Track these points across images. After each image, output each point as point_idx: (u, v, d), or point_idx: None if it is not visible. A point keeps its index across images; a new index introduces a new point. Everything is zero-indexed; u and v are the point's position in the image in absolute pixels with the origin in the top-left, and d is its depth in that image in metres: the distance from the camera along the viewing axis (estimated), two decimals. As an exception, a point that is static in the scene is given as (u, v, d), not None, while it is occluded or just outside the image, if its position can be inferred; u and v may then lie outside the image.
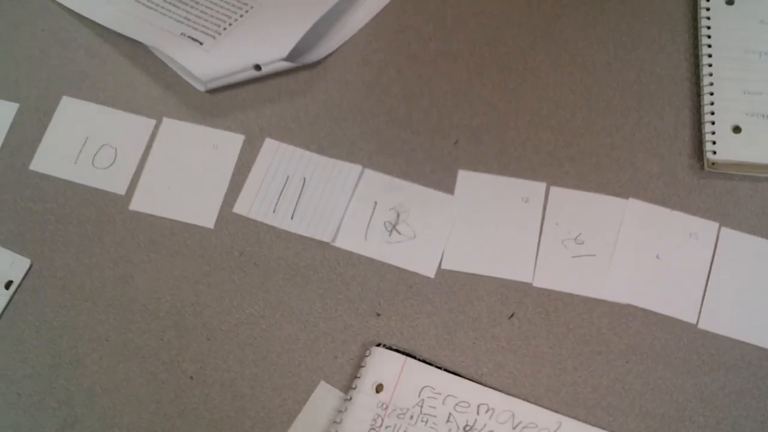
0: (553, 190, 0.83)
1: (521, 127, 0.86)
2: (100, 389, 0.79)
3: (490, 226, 0.82)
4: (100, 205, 0.86)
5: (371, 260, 0.82)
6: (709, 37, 0.87)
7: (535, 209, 0.83)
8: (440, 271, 0.81)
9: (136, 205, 0.86)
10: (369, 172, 0.85)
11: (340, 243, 0.83)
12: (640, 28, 0.90)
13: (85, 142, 0.88)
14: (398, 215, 0.83)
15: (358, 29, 0.92)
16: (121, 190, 0.86)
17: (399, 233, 0.83)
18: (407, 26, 0.92)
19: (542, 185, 0.83)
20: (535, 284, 0.80)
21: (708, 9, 0.88)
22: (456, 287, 0.80)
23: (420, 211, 0.83)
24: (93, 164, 0.87)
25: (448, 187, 0.84)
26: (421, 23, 0.92)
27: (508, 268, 0.81)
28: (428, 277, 0.81)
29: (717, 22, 0.87)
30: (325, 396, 0.77)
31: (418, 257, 0.82)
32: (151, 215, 0.85)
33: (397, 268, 0.81)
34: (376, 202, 0.84)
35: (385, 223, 0.83)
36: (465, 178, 0.84)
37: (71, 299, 0.82)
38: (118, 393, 0.78)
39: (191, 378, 0.79)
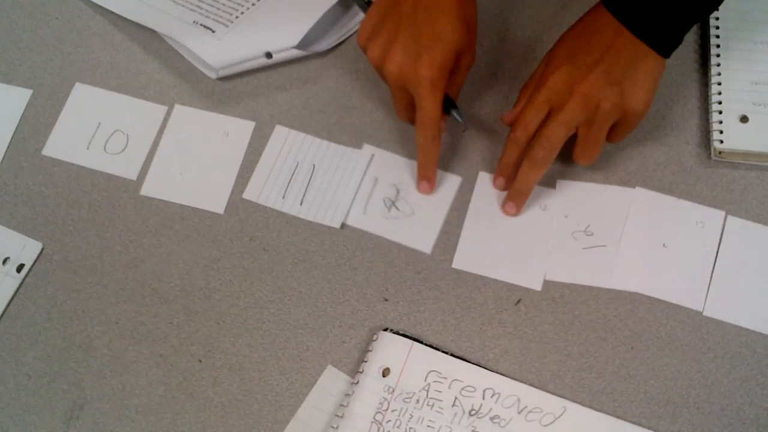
0: (561, 182, 0.84)
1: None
2: (110, 372, 0.79)
3: (503, 231, 0.83)
4: (111, 190, 0.87)
5: (380, 246, 0.83)
6: (717, 27, 0.87)
7: (550, 214, 0.83)
8: (451, 268, 0.82)
9: (147, 190, 0.86)
10: (372, 149, 0.87)
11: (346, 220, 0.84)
12: (649, 19, 0.90)
13: (98, 128, 0.89)
14: (398, 192, 0.84)
15: (368, 18, 0.93)
16: (133, 175, 0.87)
17: (398, 209, 0.83)
18: (417, 16, 0.92)
19: (554, 191, 0.84)
20: (547, 278, 0.80)
21: (717, 0, 0.88)
22: (464, 273, 0.81)
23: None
24: (105, 150, 0.88)
25: (450, 168, 0.86)
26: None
27: (518, 273, 0.81)
28: (425, 253, 0.82)
29: (726, 13, 0.88)
30: (332, 380, 0.78)
31: (416, 233, 0.83)
32: (162, 200, 0.86)
33: (405, 251, 0.82)
34: (376, 178, 0.85)
35: (384, 199, 0.84)
36: (483, 179, 0.85)
37: (82, 283, 0.83)
38: (128, 375, 0.79)
39: (200, 361, 0.79)
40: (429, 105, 0.76)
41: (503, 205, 0.82)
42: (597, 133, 0.75)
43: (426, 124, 0.78)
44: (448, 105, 0.80)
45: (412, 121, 0.81)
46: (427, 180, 0.83)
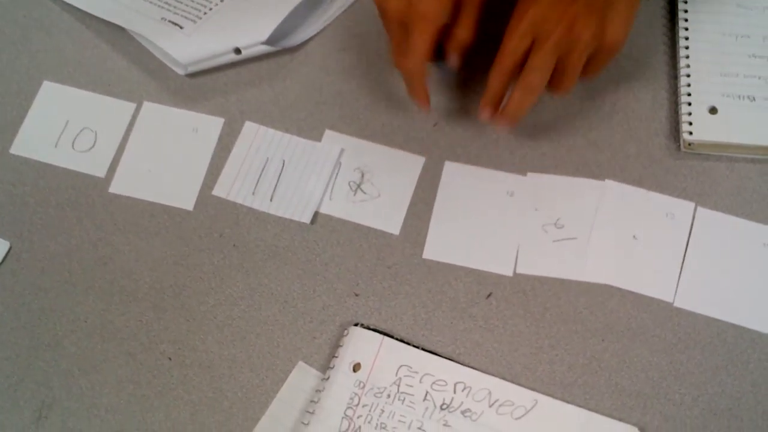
0: (531, 175, 0.84)
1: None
2: (78, 370, 0.79)
3: (472, 219, 0.83)
4: (79, 187, 0.86)
5: (350, 241, 0.82)
6: (686, 20, 0.88)
7: (517, 200, 0.83)
8: (422, 259, 0.82)
9: (116, 187, 0.86)
10: (334, 134, 0.87)
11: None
12: (618, 12, 0.90)
13: (66, 126, 0.89)
14: (362, 175, 0.84)
15: (338, 14, 0.93)
16: (101, 173, 0.87)
17: (364, 192, 0.83)
18: (387, 11, 0.92)
19: (523, 178, 0.84)
20: (518, 271, 0.80)
21: (685, -8, 0.89)
22: (434, 267, 0.81)
23: (384, 171, 0.84)
24: (73, 147, 0.88)
25: (414, 150, 0.86)
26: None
27: (489, 260, 0.81)
28: (394, 235, 0.82)
29: (694, 5, 0.88)
30: (303, 376, 0.77)
31: (383, 215, 0.83)
32: (131, 198, 0.85)
33: (376, 246, 0.82)
34: (340, 163, 0.85)
35: (349, 182, 0.84)
36: (450, 168, 0.85)
37: (50, 281, 0.82)
38: (96, 374, 0.79)
39: (169, 359, 0.79)
40: (417, 37, 0.76)
41: (497, 124, 0.81)
42: (576, 62, 0.75)
43: (411, 53, 0.77)
44: (437, 55, 0.80)
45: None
46: (420, 103, 0.83)
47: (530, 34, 0.75)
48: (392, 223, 0.83)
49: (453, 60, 0.81)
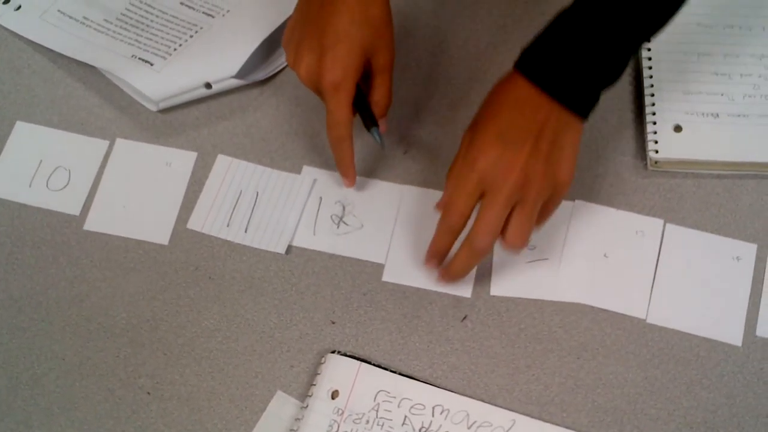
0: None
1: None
2: (58, 408, 0.79)
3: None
4: (54, 226, 0.86)
5: (326, 270, 0.83)
6: (648, 41, 0.89)
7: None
8: (397, 287, 0.82)
9: (91, 225, 0.86)
10: (311, 170, 0.88)
11: (294, 242, 0.85)
12: (581, 35, 0.92)
13: (39, 165, 0.89)
14: (344, 208, 0.85)
15: (306, 46, 0.94)
16: (76, 210, 0.87)
17: (347, 224, 0.84)
18: (355, 41, 0.93)
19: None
20: (492, 293, 0.81)
21: (646, 14, 0.90)
22: (409, 292, 0.81)
23: (365, 201, 0.85)
24: (47, 186, 0.88)
25: (389, 178, 0.87)
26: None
27: (453, 285, 0.82)
28: (381, 264, 0.83)
29: (655, 26, 0.89)
30: (281, 405, 0.78)
31: (368, 246, 0.84)
32: (106, 234, 0.86)
33: (351, 273, 0.82)
34: (321, 198, 0.86)
35: (332, 216, 0.85)
36: (409, 193, 0.86)
37: (27, 320, 0.82)
38: (76, 411, 0.79)
39: (148, 393, 0.79)
40: (332, 106, 0.77)
41: (440, 279, 0.81)
42: (530, 212, 0.72)
43: (331, 125, 0.78)
44: (370, 121, 0.81)
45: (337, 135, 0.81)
46: (344, 176, 0.83)
47: (479, 188, 0.72)
48: (378, 254, 0.83)
49: (382, 124, 0.82)
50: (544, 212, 0.75)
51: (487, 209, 0.72)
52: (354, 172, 0.83)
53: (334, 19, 0.75)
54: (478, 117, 0.74)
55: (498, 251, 0.82)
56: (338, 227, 0.84)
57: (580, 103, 0.71)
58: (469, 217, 0.74)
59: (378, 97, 0.81)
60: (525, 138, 0.70)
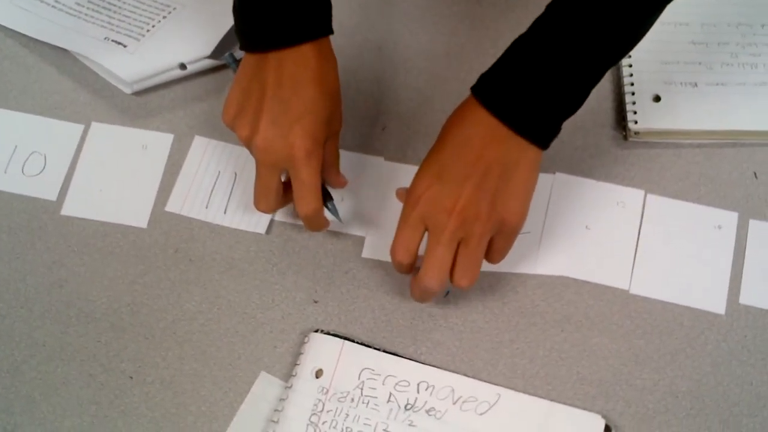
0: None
1: (447, 110, 0.86)
2: (39, 395, 0.78)
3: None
4: (31, 212, 0.85)
5: (307, 249, 0.82)
6: (612, 65, 0.89)
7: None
8: (379, 265, 0.82)
9: (68, 209, 0.85)
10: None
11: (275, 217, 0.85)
12: (558, 8, 0.91)
13: (15, 151, 0.88)
14: (323, 182, 0.84)
15: (281, 24, 0.93)
16: (52, 196, 0.86)
17: None
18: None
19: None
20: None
21: (622, -16, 0.90)
22: (391, 269, 0.81)
23: (345, 175, 0.83)
24: (23, 172, 0.87)
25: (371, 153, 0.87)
26: (345, 17, 0.93)
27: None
28: (362, 237, 0.83)
29: (632, -4, 0.89)
30: (266, 386, 0.77)
31: (349, 219, 0.84)
32: (84, 219, 0.85)
33: (333, 251, 0.82)
34: None
35: None
36: (388, 167, 0.86)
37: (6, 308, 0.81)
38: (58, 397, 0.78)
39: (131, 377, 0.78)
40: (306, 175, 0.74)
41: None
42: (474, 251, 0.71)
43: (306, 196, 0.75)
44: (325, 197, 0.79)
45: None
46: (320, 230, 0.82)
47: (422, 223, 0.71)
48: (358, 226, 0.83)
49: (339, 180, 0.82)
50: (495, 251, 0.74)
51: (430, 248, 0.71)
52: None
53: (300, 91, 0.73)
54: (430, 149, 0.73)
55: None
56: None
57: (539, 134, 0.69)
58: (415, 252, 0.73)
59: (333, 158, 0.80)
60: (468, 175, 0.69)
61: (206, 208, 0.84)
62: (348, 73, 0.89)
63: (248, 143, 0.76)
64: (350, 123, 0.87)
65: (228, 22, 0.89)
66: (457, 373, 0.76)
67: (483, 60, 0.87)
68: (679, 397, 0.75)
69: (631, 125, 0.84)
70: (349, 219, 0.84)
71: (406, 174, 0.84)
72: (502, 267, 0.80)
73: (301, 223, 0.83)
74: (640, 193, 0.82)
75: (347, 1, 0.93)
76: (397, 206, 0.80)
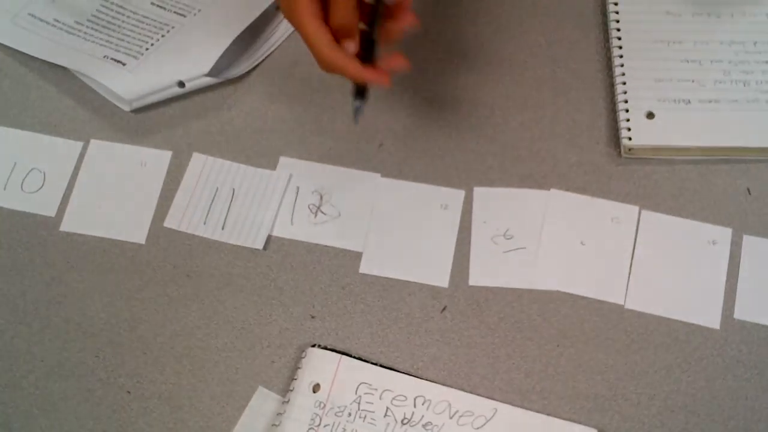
0: (477, 190, 0.85)
1: (443, 128, 0.88)
2: (38, 410, 0.78)
3: (409, 233, 0.84)
4: (30, 228, 0.86)
5: (304, 265, 0.83)
6: (618, 30, 0.90)
7: (454, 216, 0.85)
8: (376, 280, 0.83)
9: (67, 226, 0.86)
10: (287, 160, 0.88)
11: (272, 232, 0.85)
12: (553, 27, 0.93)
13: (14, 168, 0.89)
14: (321, 197, 0.85)
15: (279, 43, 0.94)
16: (51, 212, 0.87)
17: (324, 214, 0.85)
18: (328, 38, 0.94)
19: (461, 192, 0.85)
20: (470, 283, 0.81)
21: (616, 3, 0.91)
22: (388, 284, 0.81)
23: (342, 191, 0.85)
24: (22, 189, 0.88)
25: (367, 168, 0.87)
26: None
27: (426, 274, 0.82)
28: (359, 252, 0.83)
29: (625, 15, 0.90)
30: (263, 401, 0.78)
31: (346, 234, 0.84)
32: (83, 235, 0.85)
33: (329, 267, 0.82)
34: (298, 188, 0.86)
35: (309, 206, 0.85)
36: (384, 183, 0.86)
37: (5, 323, 0.82)
38: (56, 413, 0.78)
39: (128, 393, 0.79)
40: (304, 30, 0.72)
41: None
42: None
43: (312, 52, 0.73)
44: (359, 92, 0.77)
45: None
46: (373, 80, 0.75)
47: None
48: (356, 242, 0.84)
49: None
50: None
51: None
52: (375, 70, 0.74)
53: None
54: None
55: (475, 241, 0.82)
56: (316, 216, 0.84)
57: None
58: None
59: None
60: None
61: (204, 224, 0.85)
62: (344, 90, 0.89)
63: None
64: (347, 139, 0.88)
65: (226, 41, 0.90)
66: (454, 387, 0.77)
67: (477, 77, 0.89)
68: (675, 412, 0.75)
69: (624, 142, 0.84)
70: (346, 233, 0.84)
71: (402, 190, 0.85)
72: (498, 282, 0.81)
73: (297, 239, 0.83)
74: (635, 209, 0.83)
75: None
76: (393, 223, 0.82)
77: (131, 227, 0.85)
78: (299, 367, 0.78)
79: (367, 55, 0.75)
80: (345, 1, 0.71)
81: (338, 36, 0.73)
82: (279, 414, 0.76)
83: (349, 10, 0.71)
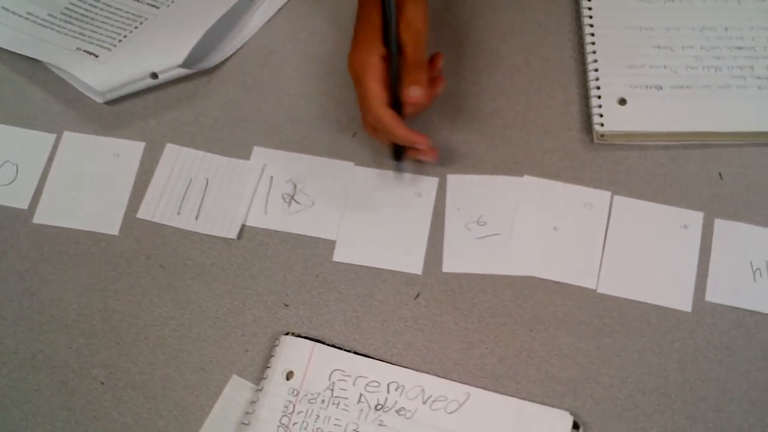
0: (451, 177, 0.85)
1: (416, 116, 0.88)
2: (11, 402, 0.78)
3: (382, 222, 0.84)
4: (3, 220, 0.86)
5: (278, 254, 0.83)
6: (590, 17, 0.90)
7: (428, 203, 0.85)
8: (349, 267, 0.83)
9: (40, 217, 0.86)
10: (262, 150, 0.88)
11: (246, 222, 0.85)
12: (526, 15, 0.93)
13: (-15, 161, 0.89)
14: (295, 186, 0.85)
15: (253, 33, 0.94)
16: (24, 204, 0.86)
17: (298, 203, 0.85)
18: (302, 28, 0.94)
19: (435, 180, 0.86)
20: (444, 270, 0.81)
21: (588, -9, 0.92)
22: (361, 272, 0.81)
23: (315, 180, 0.85)
24: (-6, 181, 0.88)
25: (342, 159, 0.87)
26: (315, 24, 0.94)
27: (400, 261, 0.83)
28: (333, 240, 0.83)
29: (598, 2, 0.91)
30: (237, 389, 0.77)
31: (320, 223, 0.84)
32: (56, 227, 0.85)
33: (303, 255, 0.82)
34: (272, 177, 0.86)
35: (283, 195, 0.85)
36: (358, 172, 0.86)
37: (-22, 315, 0.82)
38: (29, 404, 0.78)
39: (102, 383, 0.78)
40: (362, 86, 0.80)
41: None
42: None
43: (361, 106, 0.81)
44: (399, 154, 0.84)
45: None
46: (421, 155, 0.84)
47: None
48: (330, 231, 0.84)
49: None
50: None
51: None
52: (420, 137, 0.81)
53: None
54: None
55: (449, 228, 0.82)
56: (290, 206, 0.84)
57: None
58: None
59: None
60: None
61: (178, 214, 0.85)
62: (319, 80, 0.90)
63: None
64: (321, 129, 0.88)
65: (199, 32, 0.90)
66: (428, 373, 0.77)
67: (450, 65, 0.89)
68: (647, 394, 0.76)
69: (597, 128, 0.85)
70: (319, 222, 0.84)
71: (375, 179, 0.85)
72: (471, 268, 0.81)
73: (271, 228, 0.83)
74: (607, 194, 0.83)
75: (319, 10, 0.94)
76: (367, 212, 0.82)
77: (104, 219, 0.85)
78: (272, 355, 0.78)
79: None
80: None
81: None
82: (253, 402, 0.76)
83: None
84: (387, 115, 0.78)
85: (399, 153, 0.84)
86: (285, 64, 0.92)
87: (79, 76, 0.89)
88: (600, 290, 0.80)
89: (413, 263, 0.82)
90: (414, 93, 0.78)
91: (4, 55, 0.94)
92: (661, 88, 0.86)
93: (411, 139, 0.80)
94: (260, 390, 0.76)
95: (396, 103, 0.79)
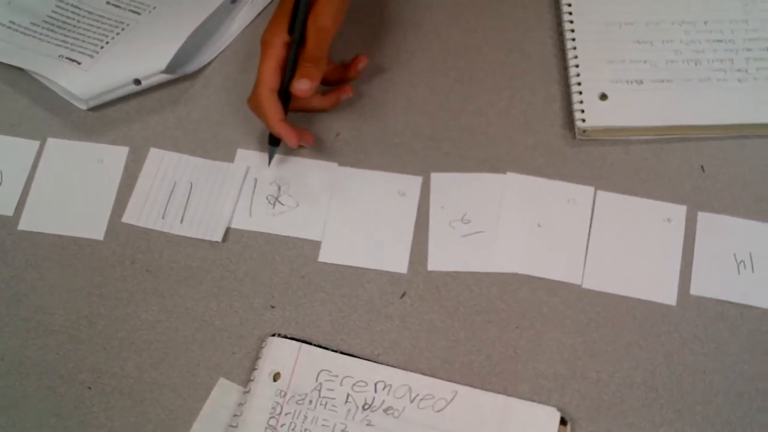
0: (434, 176, 0.85)
1: (399, 115, 0.88)
2: (-1, 409, 0.78)
3: (367, 221, 0.84)
4: (-12, 228, 0.86)
5: (263, 255, 0.83)
6: (570, 13, 0.90)
7: (412, 202, 0.85)
8: (336, 269, 0.83)
9: (25, 224, 0.86)
10: (245, 152, 0.88)
11: (231, 224, 0.85)
12: (506, 12, 0.93)
13: (-30, 170, 0.89)
14: (279, 188, 0.85)
15: (234, 38, 0.94)
16: (9, 211, 0.86)
17: (282, 204, 0.85)
18: (283, 30, 0.94)
19: (418, 179, 0.86)
20: (430, 268, 0.82)
21: (568, -13, 0.92)
22: (347, 272, 0.82)
23: (300, 181, 0.86)
24: (-22, 190, 0.88)
25: (325, 159, 0.88)
26: (298, 27, 0.94)
27: (385, 261, 0.83)
28: (318, 241, 0.84)
29: (578, -1, 0.91)
30: (224, 392, 0.78)
31: (304, 224, 0.84)
32: (41, 233, 0.85)
33: (289, 257, 0.82)
34: (256, 179, 0.86)
35: (267, 197, 0.85)
36: (342, 172, 0.87)
37: (-36, 323, 0.82)
38: (17, 411, 0.78)
39: (89, 388, 0.78)
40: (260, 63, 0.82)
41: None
42: None
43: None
44: (274, 141, 0.85)
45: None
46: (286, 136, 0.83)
47: None
48: (314, 232, 0.84)
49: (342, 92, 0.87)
50: None
51: None
52: (290, 134, 0.82)
53: None
54: None
55: (433, 227, 0.82)
56: (274, 207, 0.85)
57: None
58: None
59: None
60: None
61: (163, 218, 0.85)
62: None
63: None
64: (306, 124, 0.88)
65: (181, 38, 0.90)
66: (414, 371, 0.77)
67: (432, 63, 0.89)
68: (634, 388, 0.76)
69: (579, 124, 0.85)
70: (304, 223, 0.84)
71: (359, 178, 0.85)
72: (456, 266, 0.81)
73: (256, 230, 0.84)
74: (590, 189, 0.84)
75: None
76: (351, 212, 0.82)
77: (90, 224, 0.85)
78: (259, 357, 0.78)
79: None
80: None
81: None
82: (240, 404, 0.76)
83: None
84: (267, 101, 0.80)
85: (273, 138, 0.84)
86: (267, 67, 0.92)
87: (62, 84, 0.89)
88: (585, 285, 0.80)
89: (398, 262, 0.82)
90: (301, 86, 0.79)
91: (-14, 63, 0.94)
92: (641, 82, 0.86)
93: (279, 132, 0.81)
94: (248, 392, 0.76)
95: (287, 93, 0.80)
